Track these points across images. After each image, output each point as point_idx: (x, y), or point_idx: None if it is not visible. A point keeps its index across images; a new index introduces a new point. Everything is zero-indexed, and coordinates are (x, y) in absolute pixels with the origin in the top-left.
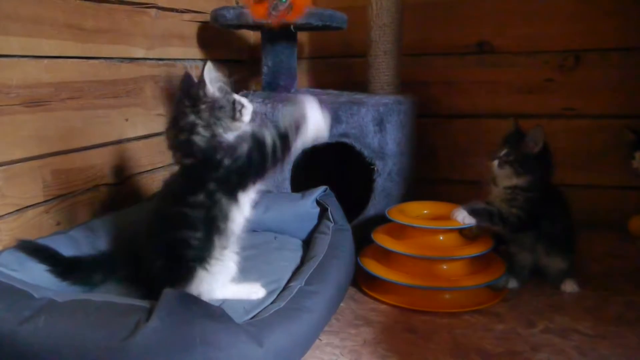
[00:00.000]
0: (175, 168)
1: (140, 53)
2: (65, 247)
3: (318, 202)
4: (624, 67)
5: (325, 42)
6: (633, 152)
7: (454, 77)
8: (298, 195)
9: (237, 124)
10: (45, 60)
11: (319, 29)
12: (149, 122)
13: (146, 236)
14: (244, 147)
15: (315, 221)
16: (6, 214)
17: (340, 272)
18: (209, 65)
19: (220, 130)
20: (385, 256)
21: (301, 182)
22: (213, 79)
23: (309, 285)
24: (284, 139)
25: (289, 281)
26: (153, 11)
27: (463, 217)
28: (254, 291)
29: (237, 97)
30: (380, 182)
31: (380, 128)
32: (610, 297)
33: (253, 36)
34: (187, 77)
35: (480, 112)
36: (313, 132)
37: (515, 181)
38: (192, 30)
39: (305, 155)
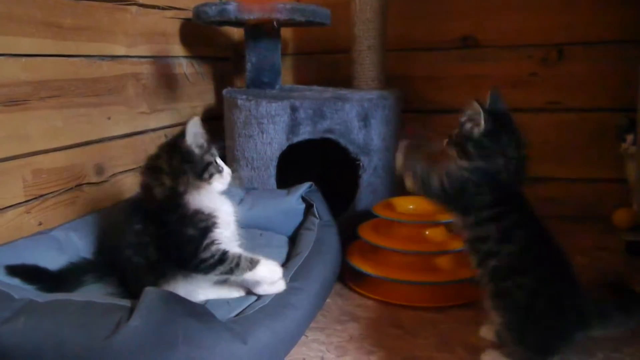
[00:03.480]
0: None
1: (121, 51)
2: (48, 248)
3: (303, 199)
4: (607, 60)
5: (309, 38)
6: (624, 135)
7: (438, 71)
8: (283, 191)
9: (202, 184)
10: (23, 59)
11: (303, 24)
12: (131, 120)
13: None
14: (190, 231)
15: (300, 217)
16: None
17: (326, 268)
18: (195, 120)
19: (181, 187)
20: (371, 252)
21: (286, 178)
22: (196, 134)
23: (294, 281)
24: (220, 262)
25: None
26: (134, 8)
27: None
28: (235, 288)
29: (217, 161)
30: (366, 178)
31: (365, 123)
32: (596, 289)
33: (236, 33)
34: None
35: (464, 106)
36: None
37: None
38: (174, 27)
39: (290, 151)
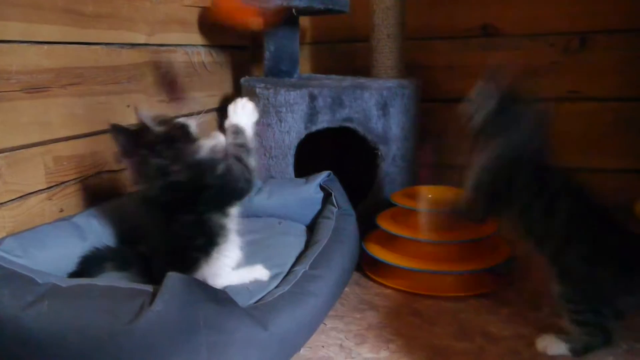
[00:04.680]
0: None
1: (141, 39)
2: (69, 234)
3: (322, 187)
4: (630, 49)
5: (327, 27)
6: None
7: (458, 60)
8: (301, 180)
9: (197, 143)
10: (45, 46)
11: (321, 12)
12: (151, 108)
13: (146, 233)
14: (222, 165)
15: (319, 206)
16: (8, 201)
17: (345, 256)
18: (142, 109)
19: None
20: (389, 240)
21: (304, 167)
22: (150, 118)
23: (313, 269)
24: (240, 160)
25: (293, 266)
26: None
27: None
28: (258, 273)
29: (182, 120)
30: (384, 167)
31: (384, 112)
32: None
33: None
34: (118, 131)
35: None
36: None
37: None
38: (193, 15)
39: (308, 140)
